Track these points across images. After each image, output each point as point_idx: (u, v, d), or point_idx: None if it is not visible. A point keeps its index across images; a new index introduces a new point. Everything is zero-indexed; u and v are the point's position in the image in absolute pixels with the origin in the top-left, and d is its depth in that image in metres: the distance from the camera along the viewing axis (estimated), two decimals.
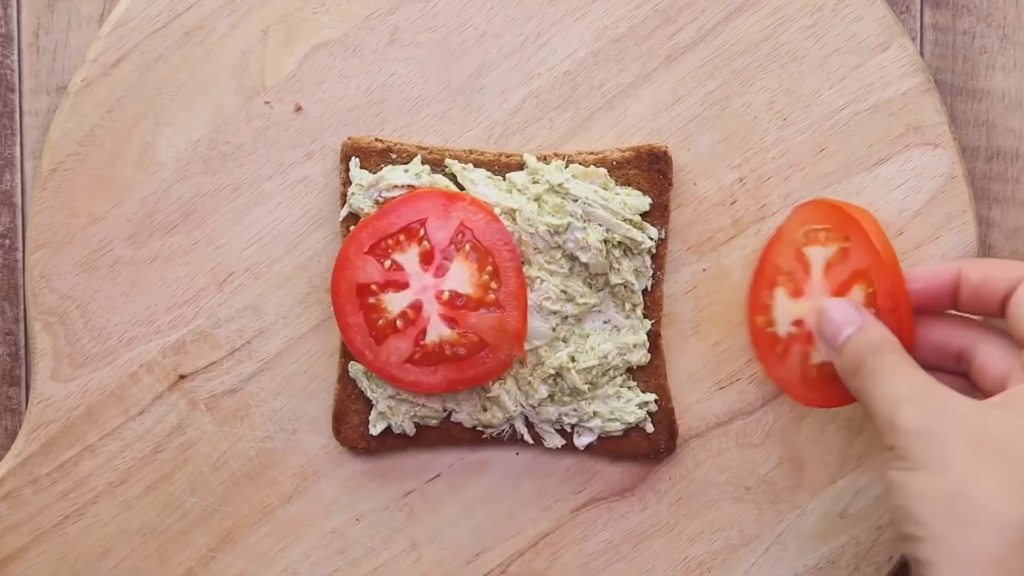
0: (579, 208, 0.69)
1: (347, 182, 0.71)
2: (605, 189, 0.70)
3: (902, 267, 0.65)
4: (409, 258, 0.68)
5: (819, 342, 0.65)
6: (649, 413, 0.72)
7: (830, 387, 0.66)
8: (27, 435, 0.73)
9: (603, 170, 0.70)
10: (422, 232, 0.68)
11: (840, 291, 0.66)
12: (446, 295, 0.68)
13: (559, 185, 0.69)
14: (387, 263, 0.68)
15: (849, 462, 0.72)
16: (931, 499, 0.55)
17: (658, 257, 0.71)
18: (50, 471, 0.73)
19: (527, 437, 0.72)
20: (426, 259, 0.68)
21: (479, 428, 0.72)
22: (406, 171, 0.70)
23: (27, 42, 0.75)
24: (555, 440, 0.72)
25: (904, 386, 0.59)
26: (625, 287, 0.70)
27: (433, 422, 0.72)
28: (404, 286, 0.69)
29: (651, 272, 0.71)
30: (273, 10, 0.72)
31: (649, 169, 0.71)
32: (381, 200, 0.70)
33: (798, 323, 0.68)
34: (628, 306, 0.71)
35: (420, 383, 0.69)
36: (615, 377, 0.71)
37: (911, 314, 0.64)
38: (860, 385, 0.61)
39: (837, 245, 0.67)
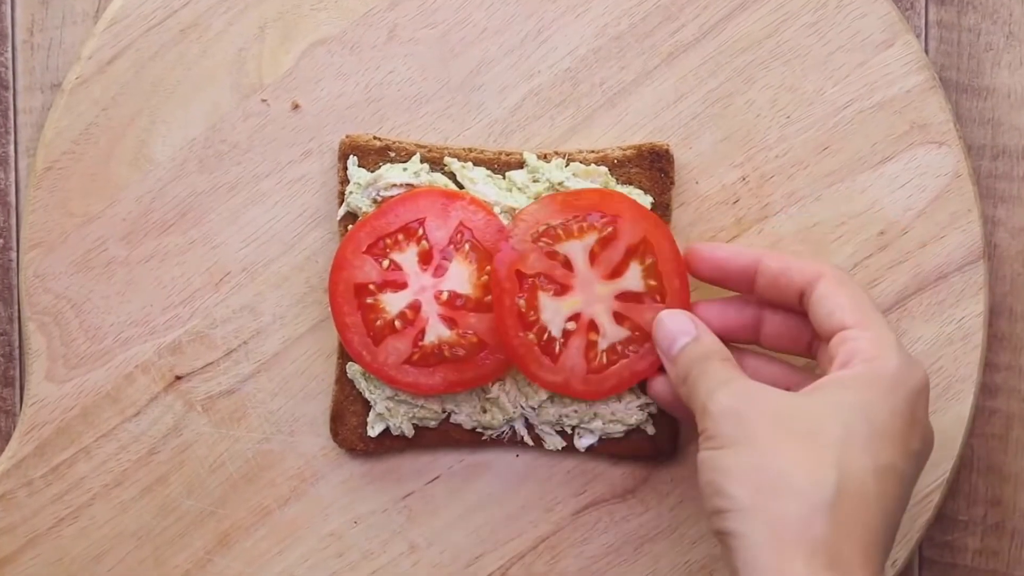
0: None
1: (345, 181, 0.71)
2: (606, 188, 0.69)
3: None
4: (408, 258, 0.68)
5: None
6: (650, 415, 0.71)
7: (619, 373, 0.68)
8: (21, 437, 0.72)
9: (604, 169, 0.70)
10: (421, 231, 0.68)
11: (615, 274, 0.68)
12: (445, 295, 0.68)
13: (560, 184, 0.69)
14: (385, 263, 0.68)
15: None
16: (738, 473, 0.58)
17: None
18: (44, 473, 0.72)
19: (527, 439, 0.72)
20: (425, 259, 0.68)
21: (478, 430, 0.72)
22: (405, 169, 0.70)
23: (21, 39, 0.74)
24: (555, 442, 0.72)
25: (720, 377, 0.62)
26: None
27: (432, 424, 0.71)
28: (402, 286, 0.68)
29: None
30: (270, 7, 0.71)
31: (650, 168, 0.71)
32: (379, 199, 0.70)
33: (575, 317, 0.68)
34: None
35: (418, 384, 0.69)
36: None
37: (686, 276, 0.68)
38: (687, 390, 0.64)
39: (596, 234, 0.67)
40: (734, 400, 0.60)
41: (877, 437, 0.59)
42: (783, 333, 0.68)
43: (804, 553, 0.55)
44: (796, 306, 0.66)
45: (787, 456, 0.58)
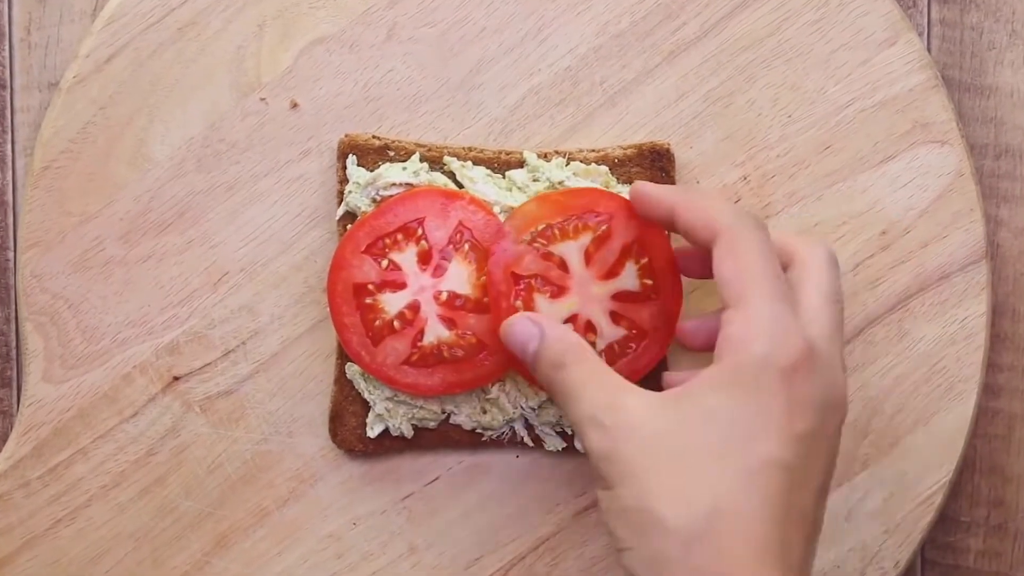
0: None
1: (344, 180, 0.71)
2: (607, 187, 0.69)
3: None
4: (407, 258, 0.68)
5: None
6: None
7: (618, 372, 0.65)
8: (18, 437, 0.72)
9: (604, 168, 0.70)
10: (420, 231, 0.68)
11: (611, 274, 0.67)
12: (444, 296, 0.68)
13: (560, 183, 0.69)
14: (384, 263, 0.68)
15: (854, 465, 0.72)
16: (620, 515, 0.57)
17: None
18: (42, 474, 0.72)
19: (527, 440, 0.72)
20: (424, 259, 0.68)
21: (478, 430, 0.71)
22: (404, 169, 0.70)
23: (18, 38, 0.74)
24: (556, 443, 0.72)
25: (585, 406, 0.59)
26: None
27: (431, 424, 0.71)
28: (401, 286, 0.68)
29: None
30: (269, 5, 0.71)
31: (651, 167, 0.71)
32: (378, 198, 0.70)
33: (572, 319, 0.68)
34: None
35: (418, 385, 0.69)
36: None
37: (679, 274, 0.68)
38: (556, 400, 0.62)
39: (590, 234, 0.67)
40: (606, 440, 0.58)
41: (748, 440, 0.57)
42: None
43: None
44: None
45: (658, 492, 0.56)
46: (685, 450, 0.57)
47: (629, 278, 0.68)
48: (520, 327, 0.64)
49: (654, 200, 0.64)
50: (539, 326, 0.63)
